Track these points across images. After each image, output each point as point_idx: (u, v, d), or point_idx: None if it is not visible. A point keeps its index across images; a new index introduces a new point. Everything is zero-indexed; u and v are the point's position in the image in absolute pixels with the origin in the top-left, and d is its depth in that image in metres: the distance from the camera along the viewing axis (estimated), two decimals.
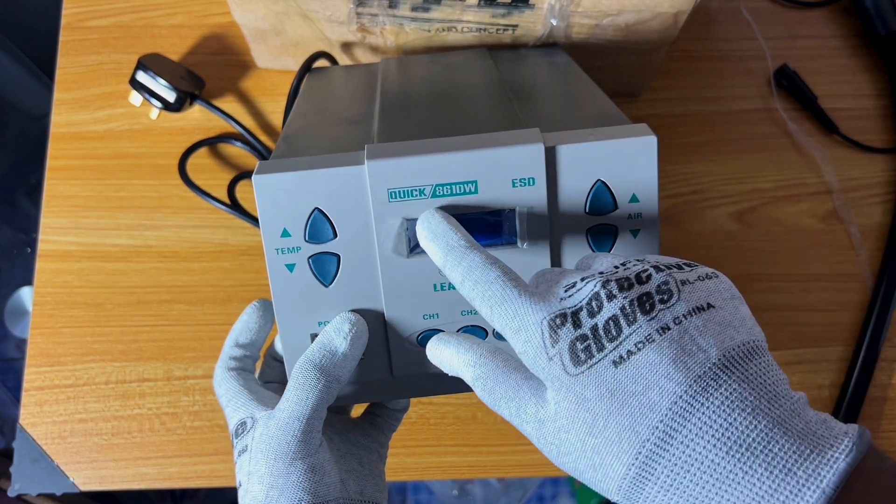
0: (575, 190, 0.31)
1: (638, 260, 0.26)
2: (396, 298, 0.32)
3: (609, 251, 0.32)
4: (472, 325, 0.33)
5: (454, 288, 0.32)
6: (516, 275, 0.27)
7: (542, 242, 0.32)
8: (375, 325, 0.33)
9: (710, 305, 0.24)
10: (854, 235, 0.59)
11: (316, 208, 0.31)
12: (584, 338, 0.23)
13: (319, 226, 0.31)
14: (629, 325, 0.23)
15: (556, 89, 0.43)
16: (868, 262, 0.59)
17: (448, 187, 0.31)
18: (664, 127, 0.62)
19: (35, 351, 0.57)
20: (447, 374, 0.35)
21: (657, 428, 0.22)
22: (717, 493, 0.21)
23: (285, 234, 0.31)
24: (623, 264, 0.26)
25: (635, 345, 0.23)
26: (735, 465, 0.21)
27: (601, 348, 0.23)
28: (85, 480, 0.55)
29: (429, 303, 0.33)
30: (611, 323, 0.23)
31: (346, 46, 0.55)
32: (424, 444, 0.55)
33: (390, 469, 0.55)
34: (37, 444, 0.55)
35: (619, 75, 0.57)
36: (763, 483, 0.21)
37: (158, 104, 0.58)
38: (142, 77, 0.57)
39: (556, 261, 0.32)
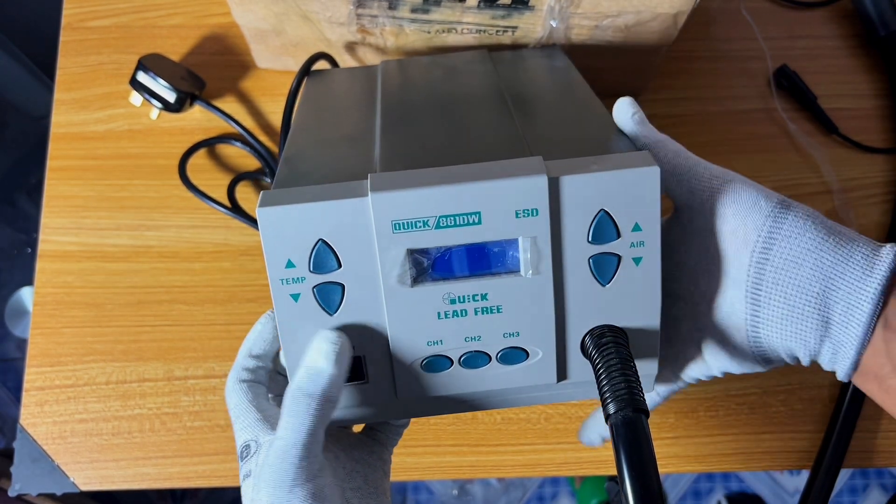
0: (578, 220, 0.32)
1: None
2: (401, 326, 0.33)
3: (611, 279, 0.33)
4: (475, 351, 0.33)
5: (458, 315, 0.33)
6: None
7: (546, 272, 0.32)
8: (380, 350, 0.33)
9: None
10: None
11: (320, 240, 0.31)
12: None
13: (324, 257, 0.32)
14: None
15: (557, 104, 0.43)
16: None
17: (452, 218, 0.31)
18: (664, 127, 0.61)
19: (35, 351, 0.57)
20: (451, 398, 0.35)
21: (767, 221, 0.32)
22: (815, 261, 0.31)
23: (290, 265, 0.32)
24: None
25: None
26: (826, 239, 0.31)
27: None
28: (85, 480, 0.55)
29: (433, 330, 0.33)
30: None
31: (346, 47, 0.55)
32: (424, 444, 0.55)
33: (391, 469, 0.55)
34: (37, 444, 0.56)
35: (618, 76, 0.57)
36: (843, 250, 0.31)
37: (159, 104, 0.58)
38: (142, 77, 0.57)
39: (559, 289, 0.33)
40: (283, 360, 0.41)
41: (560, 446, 0.55)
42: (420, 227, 0.31)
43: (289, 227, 0.31)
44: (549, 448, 0.55)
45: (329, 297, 0.32)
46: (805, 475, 0.55)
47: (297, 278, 0.32)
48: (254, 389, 0.37)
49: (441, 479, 1.01)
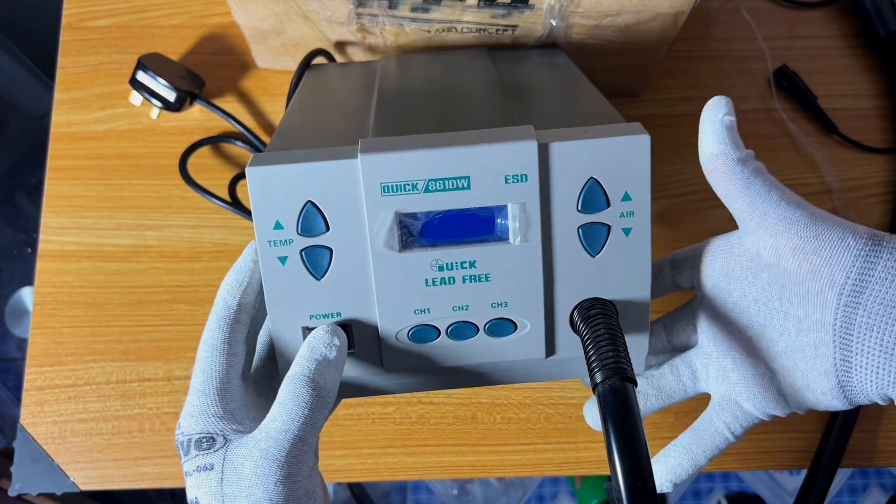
0: (568, 187, 0.31)
1: None
2: (388, 293, 0.33)
3: (600, 250, 0.33)
4: (462, 321, 0.33)
5: (445, 283, 0.32)
6: None
7: (534, 239, 0.32)
8: (367, 318, 0.33)
9: None
10: None
11: (309, 201, 0.31)
12: None
13: (312, 219, 0.31)
14: None
15: (553, 88, 0.43)
16: None
17: (441, 182, 0.31)
18: (663, 127, 0.62)
19: (35, 351, 0.57)
20: (438, 371, 0.35)
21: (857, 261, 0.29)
22: None
23: (278, 226, 0.32)
24: None
25: None
26: None
27: None
28: (85, 480, 0.55)
29: (420, 297, 0.33)
30: None
31: (346, 47, 0.55)
32: (424, 444, 0.55)
33: (391, 469, 0.55)
34: (37, 443, 0.56)
35: (618, 75, 0.57)
36: None
37: (159, 104, 0.58)
38: (142, 77, 0.57)
39: (547, 258, 0.32)
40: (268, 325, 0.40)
41: (560, 446, 0.55)
42: (409, 190, 0.31)
43: (278, 187, 0.31)
44: (549, 448, 0.55)
45: (316, 260, 0.32)
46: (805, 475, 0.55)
47: (285, 240, 0.32)
48: (233, 353, 0.33)
49: (441, 479, 1.01)
